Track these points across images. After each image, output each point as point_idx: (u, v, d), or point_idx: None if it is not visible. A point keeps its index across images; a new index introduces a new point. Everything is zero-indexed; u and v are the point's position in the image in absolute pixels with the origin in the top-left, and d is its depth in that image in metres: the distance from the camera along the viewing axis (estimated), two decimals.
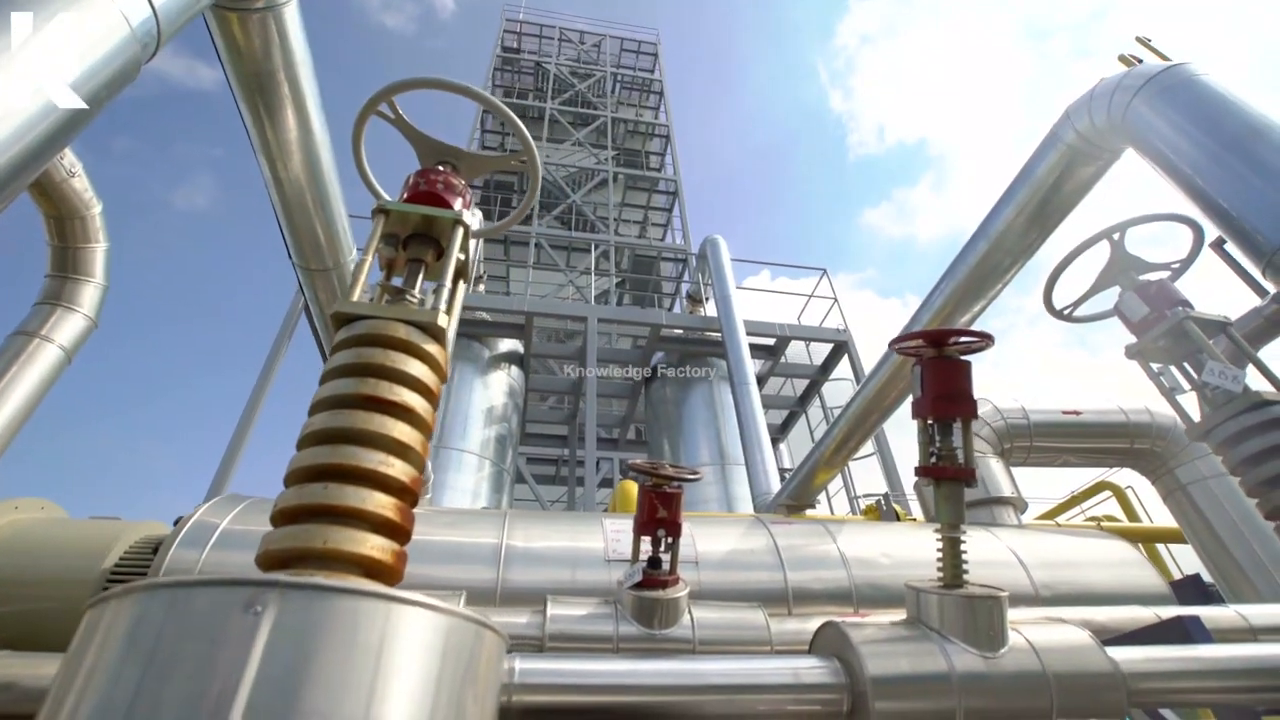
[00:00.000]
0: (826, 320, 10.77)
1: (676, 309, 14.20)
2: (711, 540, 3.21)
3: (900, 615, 1.98)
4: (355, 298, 1.37)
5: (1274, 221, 2.52)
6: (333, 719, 0.82)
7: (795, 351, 10.50)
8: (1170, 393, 2.30)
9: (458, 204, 1.67)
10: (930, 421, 2.01)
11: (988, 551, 3.49)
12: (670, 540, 2.40)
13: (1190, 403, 2.26)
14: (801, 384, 10.82)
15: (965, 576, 1.94)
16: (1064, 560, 3.50)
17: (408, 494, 1.23)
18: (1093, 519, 9.58)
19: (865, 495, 9.69)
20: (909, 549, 3.42)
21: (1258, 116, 2.73)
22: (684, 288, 13.41)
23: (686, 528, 3.29)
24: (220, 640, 0.84)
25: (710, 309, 10.42)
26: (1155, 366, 2.36)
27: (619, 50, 20.90)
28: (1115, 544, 3.82)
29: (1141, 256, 2.51)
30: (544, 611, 2.35)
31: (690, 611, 2.40)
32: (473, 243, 1.74)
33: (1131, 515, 9.72)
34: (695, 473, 2.49)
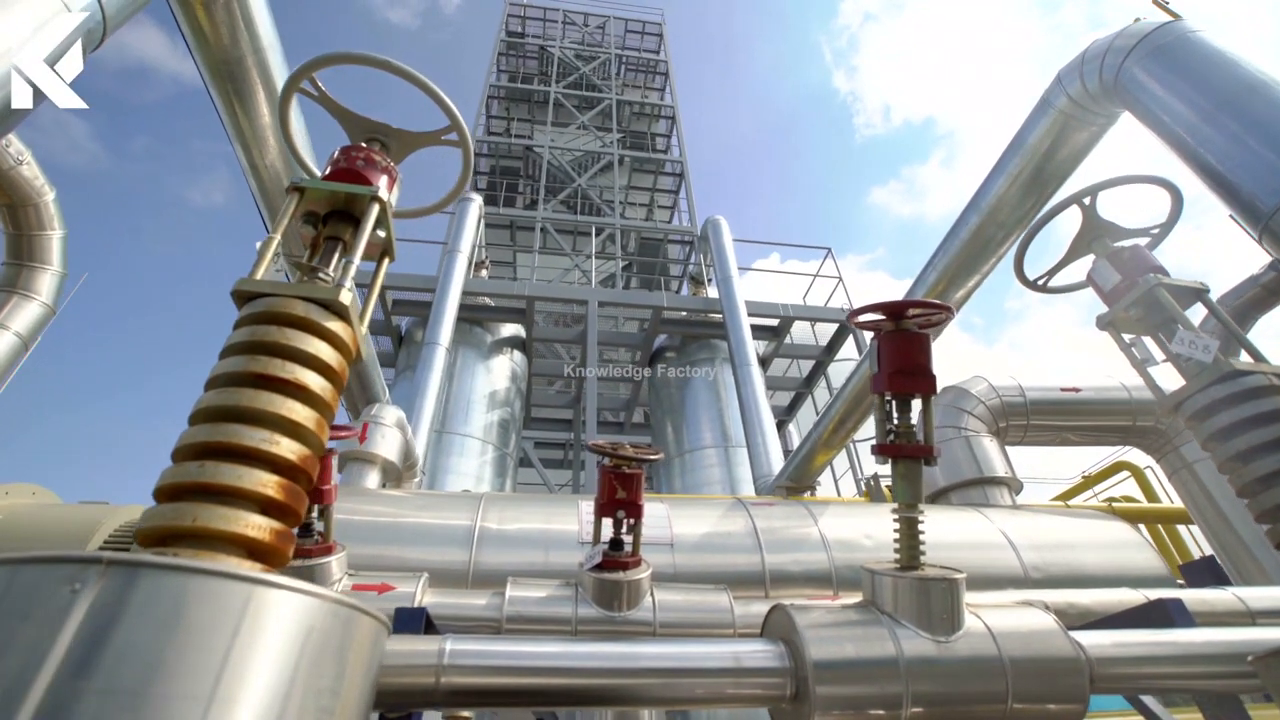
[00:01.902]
0: (832, 300, 10.62)
1: (684, 292, 14.09)
2: (688, 523, 3.15)
3: None
4: (260, 275, 1.32)
5: (1270, 183, 2.38)
6: (153, 698, 0.78)
7: (801, 333, 10.37)
8: (1142, 364, 2.17)
9: (382, 180, 1.61)
10: (888, 397, 1.93)
11: (977, 533, 3.41)
12: (631, 522, 2.34)
13: (1171, 376, 2.13)
14: (808, 365, 10.70)
15: (922, 558, 1.87)
16: (1057, 542, 3.40)
17: (298, 473, 1.19)
18: (1110, 500, 9.37)
19: (873, 477, 9.58)
20: (889, 531, 3.35)
21: (1254, 73, 2.57)
22: (690, 270, 13.30)
23: (663, 509, 3.25)
24: (35, 618, 0.81)
25: (712, 291, 10.30)
26: (1127, 337, 2.24)
27: (623, 31, 20.61)
28: (1113, 525, 3.71)
29: (1117, 222, 2.38)
30: (503, 593, 2.32)
31: (652, 593, 2.36)
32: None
33: (1151, 496, 9.48)
34: (656, 452, 2.43)
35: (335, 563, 2.24)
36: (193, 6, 2.85)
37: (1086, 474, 9.11)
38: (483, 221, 10.65)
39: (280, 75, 3.35)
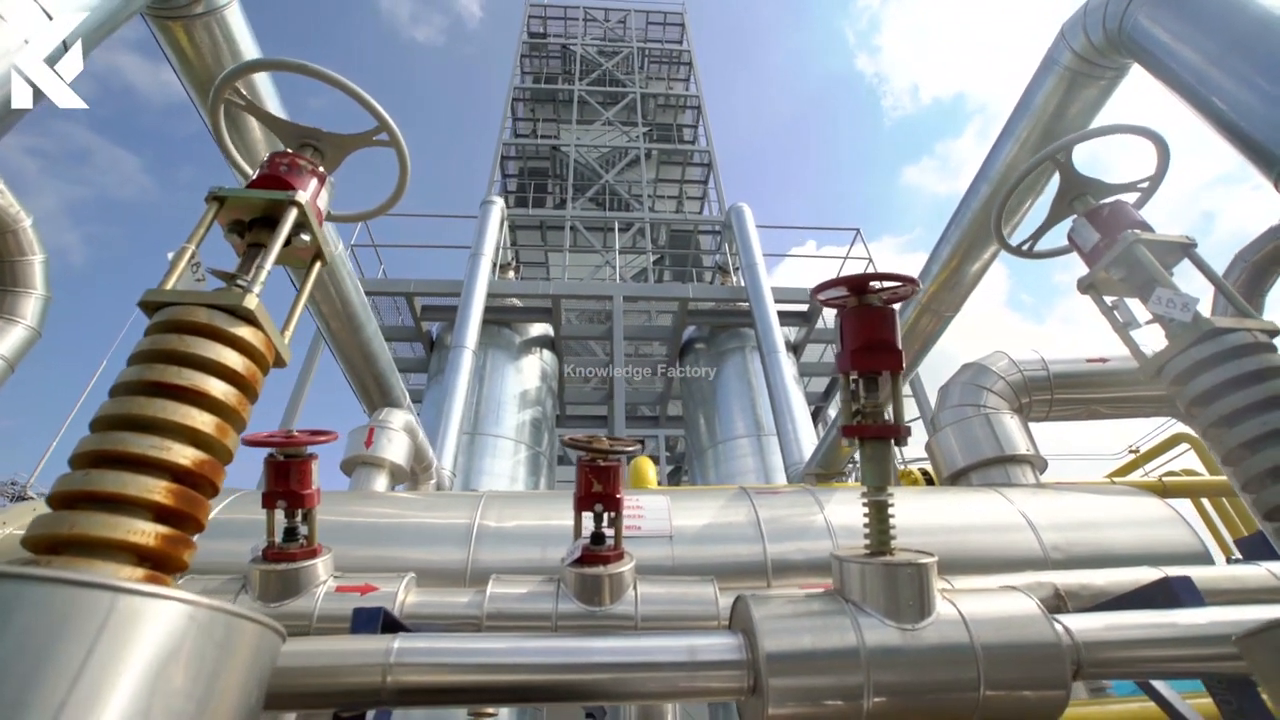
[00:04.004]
0: None
1: (718, 282, 13.97)
2: (688, 514, 3.11)
3: None
4: (172, 285, 1.35)
5: None
6: None
7: (834, 316, 10.13)
8: (1124, 328, 2.01)
9: (310, 185, 1.62)
10: (854, 376, 1.85)
11: (994, 515, 3.26)
12: (611, 515, 2.32)
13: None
14: None
15: (893, 543, 1.80)
16: (1081, 521, 3.22)
17: (197, 479, 1.20)
18: (1167, 474, 8.91)
19: (914, 460, 9.30)
20: (903, 515, 3.23)
21: (1265, 9, 2.38)
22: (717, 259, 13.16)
23: (663, 501, 3.22)
24: None
25: (739, 279, 10.16)
26: (1110, 300, 2.08)
27: (645, 24, 20.48)
28: (1146, 501, 3.50)
29: (1102, 179, 2.22)
30: (484, 591, 2.33)
31: (635, 587, 2.33)
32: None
33: (1214, 469, 8.98)
34: (635, 444, 2.40)
35: (320, 565, 2.28)
36: (173, 31, 2.93)
37: (1134, 449, 8.63)
38: (506, 224, 10.75)
39: (265, 91, 3.42)
